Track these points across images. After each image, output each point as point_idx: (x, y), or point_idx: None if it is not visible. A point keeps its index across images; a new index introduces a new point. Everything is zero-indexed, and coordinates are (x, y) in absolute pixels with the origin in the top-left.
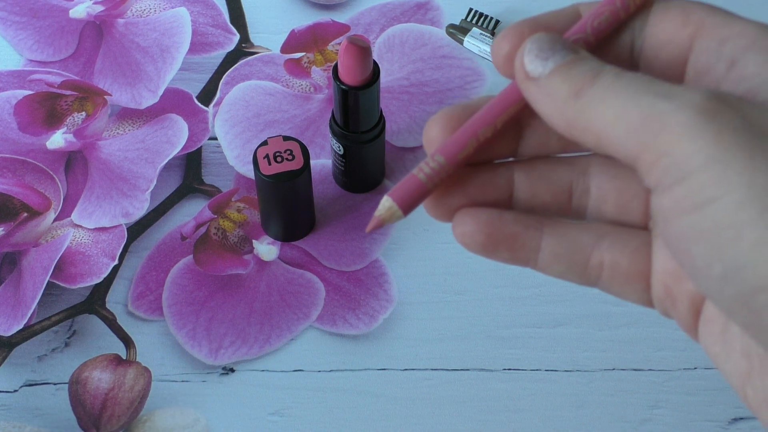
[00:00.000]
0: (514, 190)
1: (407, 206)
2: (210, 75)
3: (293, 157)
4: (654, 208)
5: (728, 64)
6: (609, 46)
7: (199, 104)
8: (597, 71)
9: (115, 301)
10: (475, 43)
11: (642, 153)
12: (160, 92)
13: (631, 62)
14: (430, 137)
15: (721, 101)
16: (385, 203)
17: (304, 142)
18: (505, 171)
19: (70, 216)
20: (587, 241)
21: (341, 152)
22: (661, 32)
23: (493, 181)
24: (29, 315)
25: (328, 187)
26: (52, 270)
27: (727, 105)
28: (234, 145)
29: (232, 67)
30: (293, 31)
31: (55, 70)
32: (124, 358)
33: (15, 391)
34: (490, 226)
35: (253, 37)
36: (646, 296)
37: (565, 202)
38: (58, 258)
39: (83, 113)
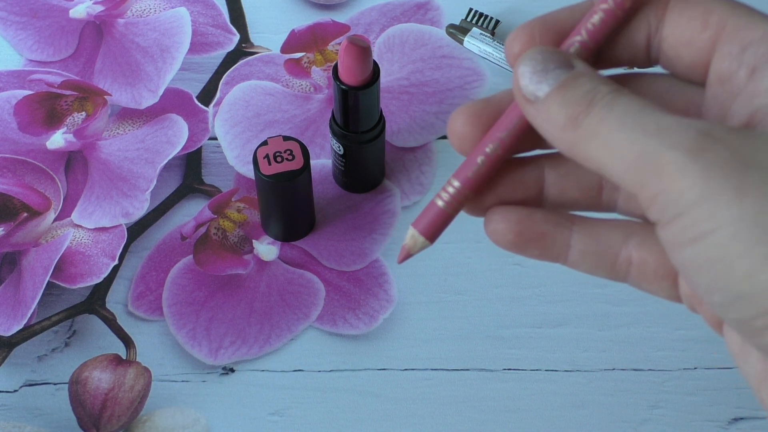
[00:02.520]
0: (544, 186)
1: (431, 234)
2: (210, 75)
3: (293, 157)
4: (659, 239)
5: (749, 72)
6: (623, 44)
7: (199, 104)
8: (591, 97)
9: (115, 301)
10: (475, 43)
11: (640, 190)
12: (160, 92)
13: (648, 61)
14: (453, 129)
15: (709, 137)
16: (411, 233)
17: (304, 142)
18: (535, 169)
19: (70, 216)
20: (616, 238)
21: (341, 152)
22: (680, 33)
23: (523, 180)
24: (29, 315)
25: (328, 187)
26: (52, 270)
27: (715, 140)
28: (234, 145)
29: (232, 67)
30: (293, 31)
31: (55, 70)
32: (124, 358)
33: (15, 391)
34: (520, 225)
35: (253, 37)
36: (674, 293)
37: (594, 198)
38: (58, 258)
39: (83, 113)
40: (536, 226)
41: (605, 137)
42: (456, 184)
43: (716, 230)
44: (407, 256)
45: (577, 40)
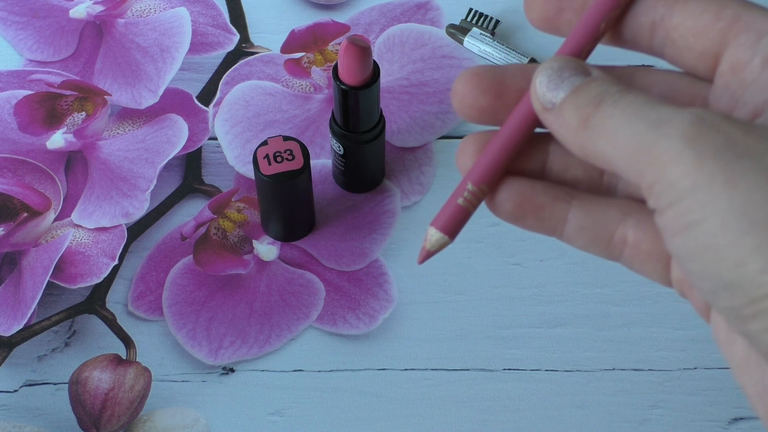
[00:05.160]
0: (547, 161)
1: (452, 231)
2: (210, 75)
3: (293, 157)
4: (657, 225)
5: (764, 60)
6: (627, 24)
7: (199, 104)
8: (601, 97)
9: (115, 301)
10: (475, 43)
11: (640, 180)
12: (160, 92)
13: (651, 47)
14: (455, 89)
15: (704, 125)
16: (432, 233)
17: (304, 142)
18: (541, 142)
19: (70, 216)
20: (613, 216)
21: (341, 152)
22: (692, 23)
23: (528, 152)
24: (29, 315)
25: (328, 187)
26: (52, 270)
27: (709, 128)
28: (234, 145)
29: (232, 67)
30: (293, 31)
31: (55, 70)
32: (124, 358)
33: (15, 391)
34: (520, 196)
35: (253, 37)
36: (665, 276)
37: (596, 179)
38: (58, 258)
39: (83, 113)
40: (536, 197)
41: (610, 132)
42: (480, 186)
43: (707, 219)
44: (428, 255)
45: (591, 46)
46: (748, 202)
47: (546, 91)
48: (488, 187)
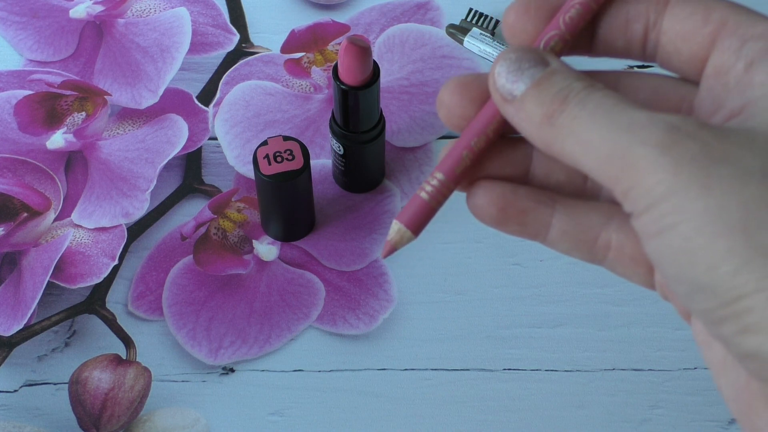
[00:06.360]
0: (531, 166)
1: (416, 227)
2: (210, 75)
3: (293, 157)
4: (634, 229)
5: (746, 65)
6: (620, 33)
7: (199, 104)
8: (565, 94)
9: (115, 301)
10: (475, 43)
11: (615, 185)
12: (160, 92)
13: (643, 53)
14: (441, 99)
15: (679, 132)
16: (395, 227)
17: (304, 142)
18: (525, 147)
19: (70, 216)
20: (597, 220)
21: (341, 152)
22: (680, 27)
23: (512, 156)
24: (29, 315)
25: (328, 187)
26: (52, 270)
27: (685, 135)
28: (234, 145)
29: (232, 67)
30: (293, 31)
31: (55, 70)
32: (124, 358)
33: (15, 391)
34: (503, 200)
35: (253, 37)
36: (648, 280)
37: (579, 184)
38: (58, 258)
39: (83, 113)
40: (519, 202)
41: (579, 134)
42: (440, 176)
43: (681, 223)
44: (392, 250)
45: (556, 34)
46: (722, 205)
47: (505, 83)
48: (449, 180)
